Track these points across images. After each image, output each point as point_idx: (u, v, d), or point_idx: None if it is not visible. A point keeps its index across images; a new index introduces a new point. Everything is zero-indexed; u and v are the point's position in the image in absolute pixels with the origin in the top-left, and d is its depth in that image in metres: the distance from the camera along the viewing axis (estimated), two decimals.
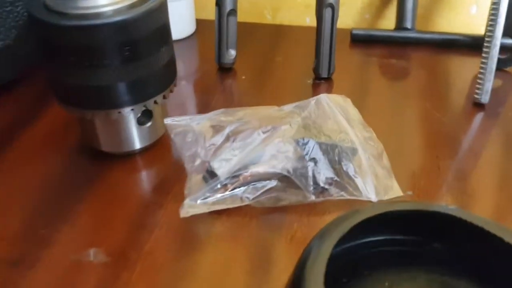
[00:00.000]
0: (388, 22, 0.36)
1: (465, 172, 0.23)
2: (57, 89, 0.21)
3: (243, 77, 0.30)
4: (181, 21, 0.34)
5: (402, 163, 0.23)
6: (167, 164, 0.24)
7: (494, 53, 0.27)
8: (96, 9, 0.19)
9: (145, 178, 0.23)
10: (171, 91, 0.23)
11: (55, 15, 0.19)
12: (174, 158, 0.24)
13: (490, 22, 0.27)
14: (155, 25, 0.20)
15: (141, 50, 0.20)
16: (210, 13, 0.32)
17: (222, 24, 0.29)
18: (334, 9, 0.28)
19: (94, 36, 0.19)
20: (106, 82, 0.20)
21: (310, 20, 0.37)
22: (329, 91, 0.29)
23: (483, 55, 0.27)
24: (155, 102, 0.22)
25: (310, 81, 0.29)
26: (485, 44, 0.27)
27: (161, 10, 0.21)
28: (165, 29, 0.22)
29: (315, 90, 0.29)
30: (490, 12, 0.27)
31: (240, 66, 0.31)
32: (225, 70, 0.31)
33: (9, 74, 0.29)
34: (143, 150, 0.24)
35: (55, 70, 0.20)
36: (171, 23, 0.31)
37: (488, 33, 0.27)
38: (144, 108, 0.22)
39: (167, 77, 0.23)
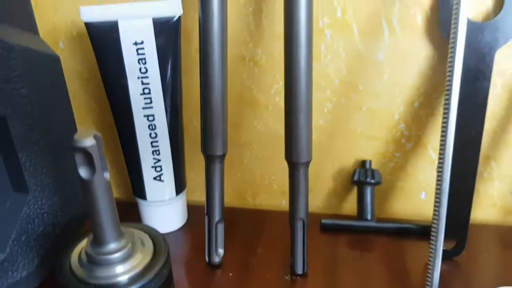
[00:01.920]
0: (350, 205, 0.42)
1: None
2: None
3: (230, 274, 0.35)
4: (173, 218, 0.39)
5: None
6: None
7: (439, 246, 0.33)
8: (113, 278, 0.24)
9: None
10: None
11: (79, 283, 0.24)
12: None
13: (435, 214, 0.32)
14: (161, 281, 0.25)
15: None
16: (201, 195, 0.38)
17: (211, 231, 0.35)
18: (304, 222, 0.33)
19: None
20: None
21: (285, 203, 0.43)
22: (304, 285, 0.34)
23: (430, 248, 0.33)
24: None
25: (288, 277, 0.34)
26: (431, 238, 0.32)
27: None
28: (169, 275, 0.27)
29: (293, 285, 0.34)
30: (434, 204, 0.33)
31: (227, 261, 0.36)
32: (214, 266, 0.36)
33: None
34: None
35: None
36: (164, 219, 0.36)
37: (433, 227, 0.32)
38: None
39: None
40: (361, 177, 0.39)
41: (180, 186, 0.38)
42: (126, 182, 0.45)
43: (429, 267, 0.32)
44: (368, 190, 0.39)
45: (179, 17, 0.32)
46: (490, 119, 0.37)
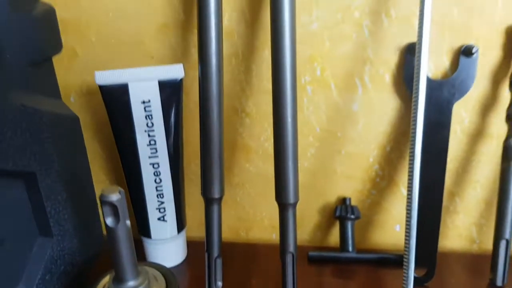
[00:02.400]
0: (334, 238, 0.47)
1: None
2: None
3: None
4: (175, 254, 0.43)
5: None
6: None
7: (410, 274, 0.38)
8: None
9: None
10: None
11: None
12: None
13: (405, 245, 0.37)
14: None
15: None
16: (198, 231, 0.42)
17: (211, 266, 0.39)
18: (293, 256, 0.38)
19: None
20: None
21: (275, 236, 0.47)
22: None
23: (403, 276, 0.37)
24: None
25: None
26: (403, 267, 0.37)
27: None
28: None
29: None
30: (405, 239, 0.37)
31: None
32: None
33: None
34: None
35: None
36: (167, 255, 0.40)
37: (405, 257, 0.37)
38: None
39: None
40: (342, 213, 0.43)
41: (181, 225, 0.42)
42: (131, 221, 0.48)
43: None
44: (349, 225, 0.43)
45: (181, 79, 0.37)
46: (453, 160, 0.42)
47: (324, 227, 0.47)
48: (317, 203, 0.45)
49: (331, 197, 0.45)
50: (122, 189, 0.26)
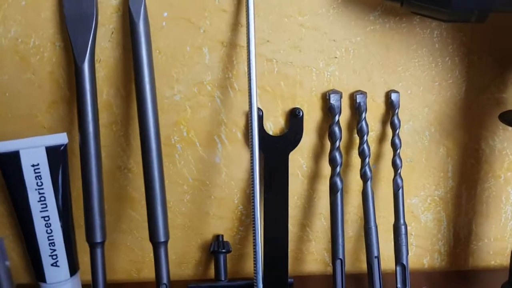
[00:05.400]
0: (212, 271, 0.54)
1: None
2: None
3: None
4: None
5: None
6: None
7: None
8: None
9: None
10: None
11: None
12: None
13: (254, 274, 0.46)
14: None
15: None
16: None
17: None
18: (167, 286, 0.45)
19: None
20: None
21: None
22: None
23: None
24: None
25: None
26: None
27: None
28: None
29: None
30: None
31: None
32: None
33: None
34: None
35: None
36: None
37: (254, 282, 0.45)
38: None
39: None
40: (215, 248, 0.52)
41: (73, 268, 0.48)
42: (29, 269, 0.54)
43: None
44: (221, 258, 0.52)
45: (65, 145, 0.45)
46: (300, 198, 0.52)
47: (204, 262, 0.55)
48: (196, 241, 0.54)
49: (208, 236, 0.54)
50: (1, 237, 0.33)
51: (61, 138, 0.45)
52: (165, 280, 0.46)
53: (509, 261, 0.46)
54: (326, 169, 0.50)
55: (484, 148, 0.51)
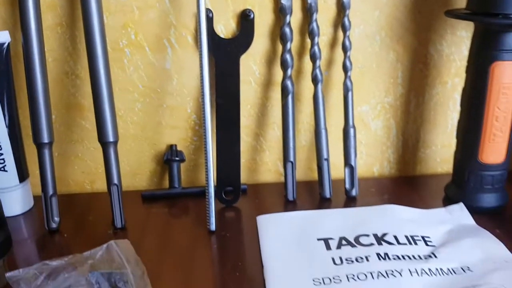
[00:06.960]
0: (167, 182, 0.55)
1: None
2: None
3: (65, 235, 0.45)
4: (19, 202, 0.49)
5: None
6: None
7: (211, 199, 0.47)
8: None
9: None
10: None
11: None
12: None
13: (206, 179, 0.46)
14: None
15: None
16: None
17: (47, 203, 0.45)
18: (118, 187, 0.45)
19: None
20: None
21: None
22: (124, 235, 0.46)
23: (206, 202, 0.46)
24: None
25: (110, 231, 0.46)
26: (205, 195, 0.46)
27: None
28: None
29: (115, 236, 0.45)
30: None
31: (64, 227, 0.46)
32: (53, 232, 0.46)
33: None
34: None
35: None
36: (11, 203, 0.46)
37: (206, 189, 0.46)
38: None
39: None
40: (169, 157, 0.52)
41: (22, 175, 0.48)
42: None
43: (207, 210, 0.46)
44: (175, 166, 0.52)
45: (8, 43, 0.43)
46: (252, 107, 0.52)
47: (159, 173, 0.55)
48: (149, 152, 0.53)
49: (161, 146, 0.53)
50: None
51: (2, 37, 0.43)
52: (115, 181, 0.45)
53: None
54: (279, 75, 0.50)
55: (432, 53, 0.52)
